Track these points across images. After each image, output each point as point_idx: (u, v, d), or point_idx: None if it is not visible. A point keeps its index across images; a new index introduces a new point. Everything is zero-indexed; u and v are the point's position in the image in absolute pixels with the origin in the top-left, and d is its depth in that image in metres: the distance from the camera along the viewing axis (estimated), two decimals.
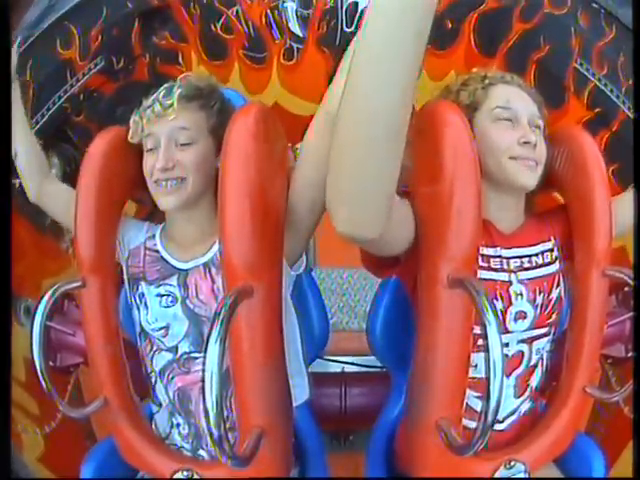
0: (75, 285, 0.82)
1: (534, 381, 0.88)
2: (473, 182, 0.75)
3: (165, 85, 0.85)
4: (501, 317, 0.82)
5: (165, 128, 0.82)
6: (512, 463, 0.83)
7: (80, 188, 0.84)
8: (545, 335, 0.87)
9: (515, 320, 0.84)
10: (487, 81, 0.88)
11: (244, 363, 0.76)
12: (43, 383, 0.76)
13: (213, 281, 0.83)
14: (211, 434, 0.61)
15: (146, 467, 0.84)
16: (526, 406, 0.88)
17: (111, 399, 0.83)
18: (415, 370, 0.85)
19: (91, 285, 0.83)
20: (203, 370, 0.61)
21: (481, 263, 0.82)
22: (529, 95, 0.87)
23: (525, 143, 0.81)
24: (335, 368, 1.35)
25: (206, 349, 0.61)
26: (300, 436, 0.91)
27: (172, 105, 0.82)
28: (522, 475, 0.83)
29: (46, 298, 0.77)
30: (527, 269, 0.86)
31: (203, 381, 0.60)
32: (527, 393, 0.87)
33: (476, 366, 0.80)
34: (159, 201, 0.83)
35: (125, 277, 0.89)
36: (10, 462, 0.81)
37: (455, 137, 0.76)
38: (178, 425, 0.86)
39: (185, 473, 0.80)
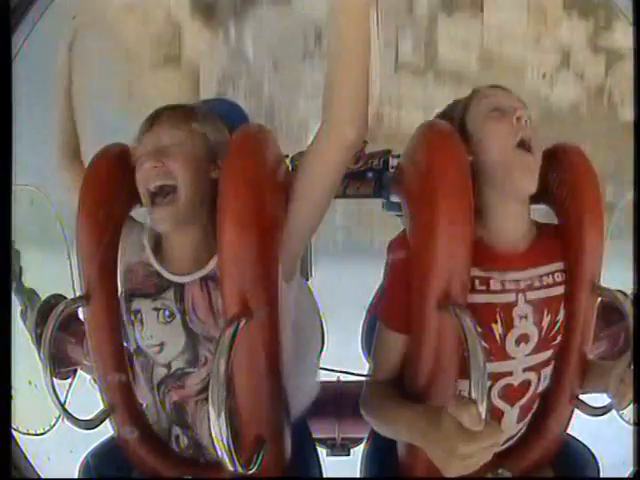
0: (80, 303, 0.85)
1: (536, 405, 0.88)
2: (465, 208, 0.76)
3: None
4: (500, 342, 0.82)
5: (155, 133, 0.86)
6: (500, 471, 0.87)
7: (81, 206, 0.86)
8: (552, 359, 0.86)
9: (517, 344, 0.82)
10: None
11: (245, 381, 0.78)
12: (55, 399, 0.80)
13: (210, 297, 0.83)
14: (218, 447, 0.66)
15: (153, 472, 0.88)
16: (525, 425, 0.90)
17: (118, 408, 0.87)
18: (403, 383, 0.86)
19: (95, 302, 0.85)
20: (201, 389, 0.73)
21: (479, 287, 0.81)
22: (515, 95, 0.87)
23: (521, 143, 0.80)
24: (330, 377, 1.39)
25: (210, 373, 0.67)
26: (295, 446, 0.94)
27: (161, 113, 0.87)
28: None
29: (52, 318, 0.80)
30: (537, 289, 0.83)
31: (208, 396, 0.66)
32: (529, 416, 0.89)
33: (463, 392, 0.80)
34: (155, 223, 0.85)
35: (120, 292, 0.89)
36: (10, 462, 0.85)
37: (449, 169, 0.76)
38: (177, 437, 0.88)
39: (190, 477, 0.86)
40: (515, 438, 0.89)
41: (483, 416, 0.61)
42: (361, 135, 0.74)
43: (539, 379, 0.85)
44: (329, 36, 0.72)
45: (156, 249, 0.91)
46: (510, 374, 0.83)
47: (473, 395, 0.66)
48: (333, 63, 0.71)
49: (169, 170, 0.83)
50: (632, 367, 0.77)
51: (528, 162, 0.81)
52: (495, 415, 0.84)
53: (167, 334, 0.85)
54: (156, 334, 0.86)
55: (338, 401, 1.32)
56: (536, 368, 0.85)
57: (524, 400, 0.86)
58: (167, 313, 0.85)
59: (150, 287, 0.87)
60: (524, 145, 0.81)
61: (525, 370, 0.84)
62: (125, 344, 0.90)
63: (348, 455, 1.31)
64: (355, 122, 0.72)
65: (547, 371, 0.86)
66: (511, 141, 0.80)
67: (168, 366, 0.86)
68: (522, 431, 0.90)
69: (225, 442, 0.65)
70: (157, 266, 0.88)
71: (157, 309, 0.86)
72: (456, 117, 0.87)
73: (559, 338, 0.85)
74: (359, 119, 0.72)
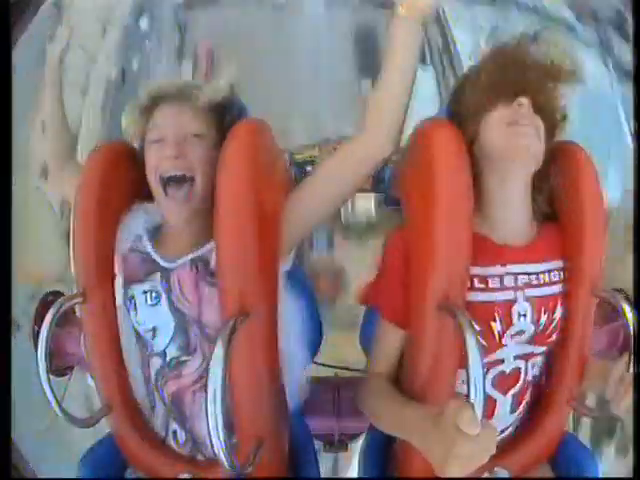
0: (77, 301, 0.85)
1: (528, 396, 0.88)
2: (465, 206, 0.76)
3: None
4: (498, 340, 0.82)
5: (175, 118, 0.84)
6: (495, 470, 0.87)
7: (78, 203, 0.86)
8: (543, 353, 0.86)
9: (512, 338, 0.83)
10: None
11: (243, 378, 0.78)
12: (51, 397, 0.80)
13: (197, 276, 0.83)
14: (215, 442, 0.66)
15: (150, 470, 0.88)
16: (520, 419, 0.89)
17: (115, 406, 0.87)
18: (402, 380, 0.86)
19: (92, 299, 0.85)
20: (197, 378, 0.76)
21: (477, 285, 0.81)
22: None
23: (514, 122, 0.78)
24: (328, 373, 1.40)
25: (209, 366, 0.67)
26: (293, 443, 0.94)
27: (187, 95, 0.86)
28: None
29: (49, 316, 0.80)
30: (535, 286, 0.83)
31: (206, 394, 0.67)
32: (522, 407, 0.88)
33: (463, 381, 0.79)
34: (168, 215, 0.85)
35: (120, 282, 0.88)
36: (10, 462, 0.85)
37: (447, 166, 0.76)
38: (175, 432, 0.88)
39: (187, 475, 0.86)
40: (509, 430, 0.89)
41: (480, 417, 0.61)
42: (394, 150, 0.85)
43: (527, 367, 0.86)
44: (384, 67, 0.81)
45: (154, 233, 0.90)
46: (502, 362, 0.84)
47: (472, 395, 0.66)
48: (385, 92, 0.81)
49: (190, 162, 0.83)
50: (632, 367, 0.77)
51: (523, 132, 0.77)
52: (489, 404, 0.83)
53: (156, 317, 0.84)
54: (147, 318, 0.85)
55: (336, 397, 1.32)
56: (525, 357, 0.85)
57: (517, 388, 0.86)
58: (154, 295, 0.85)
59: (141, 272, 0.87)
60: (517, 123, 0.78)
61: (516, 358, 0.84)
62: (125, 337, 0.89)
63: (346, 451, 1.31)
64: (395, 140, 0.82)
65: (535, 360, 0.86)
66: (505, 121, 0.78)
67: (163, 355, 0.85)
68: (518, 427, 0.90)
69: (222, 441, 0.66)
70: (151, 250, 0.87)
71: (145, 292, 0.85)
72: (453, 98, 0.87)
73: (554, 336, 0.85)
74: (398, 138, 0.83)
